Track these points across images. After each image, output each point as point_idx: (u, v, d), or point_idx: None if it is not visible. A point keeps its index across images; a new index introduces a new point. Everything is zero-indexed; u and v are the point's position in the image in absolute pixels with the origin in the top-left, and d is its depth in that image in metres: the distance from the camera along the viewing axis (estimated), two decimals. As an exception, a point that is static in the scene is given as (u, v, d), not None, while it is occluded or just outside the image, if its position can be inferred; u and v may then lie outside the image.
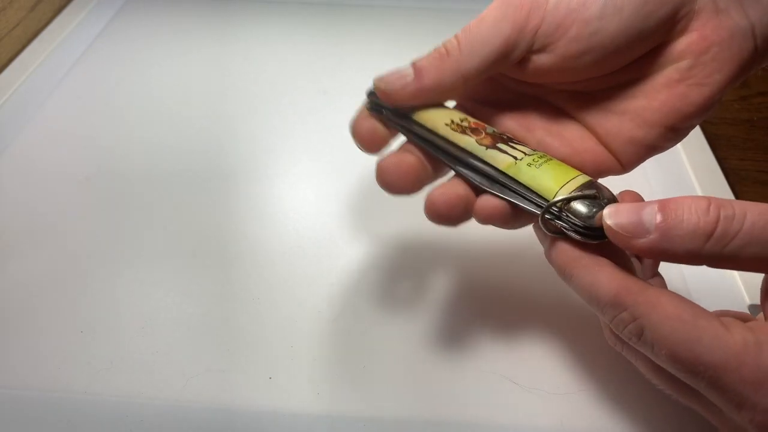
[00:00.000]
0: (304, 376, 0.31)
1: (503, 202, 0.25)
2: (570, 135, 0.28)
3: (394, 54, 0.55)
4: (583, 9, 0.24)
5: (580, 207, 0.23)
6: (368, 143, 0.27)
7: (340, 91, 0.51)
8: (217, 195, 0.42)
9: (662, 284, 0.28)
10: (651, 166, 0.43)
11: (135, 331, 0.33)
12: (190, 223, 0.40)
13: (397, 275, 0.36)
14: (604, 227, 0.22)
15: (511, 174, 0.25)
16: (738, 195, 0.43)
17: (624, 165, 0.27)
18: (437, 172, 0.27)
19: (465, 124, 0.27)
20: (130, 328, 0.33)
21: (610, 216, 0.22)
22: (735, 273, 0.36)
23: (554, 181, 0.24)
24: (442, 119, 0.27)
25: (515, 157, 0.25)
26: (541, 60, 0.25)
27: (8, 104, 0.50)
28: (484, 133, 0.26)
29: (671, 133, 0.26)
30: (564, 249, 0.24)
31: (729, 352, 0.20)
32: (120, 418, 0.29)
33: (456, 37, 0.26)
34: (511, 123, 0.28)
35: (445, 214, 0.25)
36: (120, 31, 0.60)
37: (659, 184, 0.43)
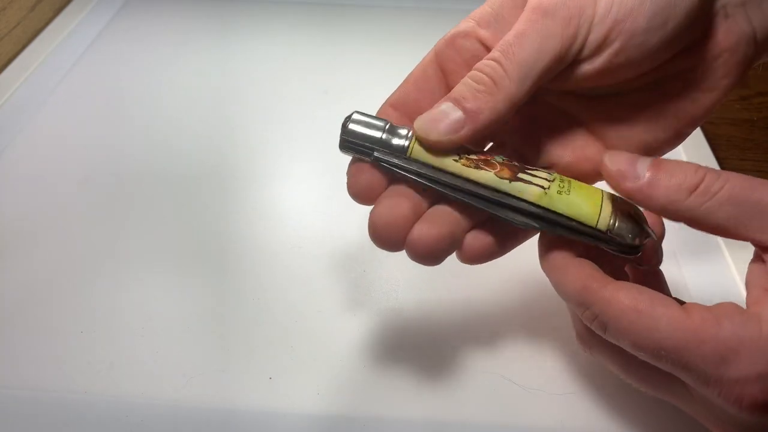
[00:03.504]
0: (304, 376, 0.31)
1: (492, 240, 0.25)
2: (574, 141, 0.27)
3: (395, 54, 0.55)
4: (630, 21, 0.23)
5: (624, 228, 0.23)
6: (365, 198, 0.25)
7: (340, 91, 0.51)
8: (217, 195, 0.42)
9: (662, 280, 0.29)
10: (651, 166, 0.43)
11: (135, 331, 0.33)
12: (190, 223, 0.40)
13: (397, 275, 0.36)
14: (601, 166, 0.24)
15: (544, 205, 0.24)
16: (738, 195, 0.42)
17: None
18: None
19: (473, 157, 0.24)
20: (130, 328, 0.33)
21: (608, 158, 0.24)
22: (734, 271, 0.36)
23: (590, 205, 0.24)
24: (448, 155, 0.24)
25: (542, 186, 0.24)
26: (577, 72, 0.24)
27: (8, 104, 0.50)
28: (497, 165, 0.24)
29: (678, 138, 0.26)
30: (545, 250, 0.25)
31: (688, 332, 0.21)
32: (120, 418, 0.29)
33: (497, 60, 0.23)
34: (512, 130, 0.28)
35: (430, 254, 0.24)
36: (120, 31, 0.60)
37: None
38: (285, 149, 0.46)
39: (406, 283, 0.36)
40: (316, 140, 0.46)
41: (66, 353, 0.32)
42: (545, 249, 0.25)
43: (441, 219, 0.24)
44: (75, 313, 0.34)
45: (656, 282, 0.28)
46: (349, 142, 0.24)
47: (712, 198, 0.22)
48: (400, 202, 0.24)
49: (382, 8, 0.64)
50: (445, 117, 0.23)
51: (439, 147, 0.23)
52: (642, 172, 0.23)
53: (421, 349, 0.33)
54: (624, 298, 0.22)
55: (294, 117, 0.49)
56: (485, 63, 0.23)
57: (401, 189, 0.25)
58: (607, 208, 0.24)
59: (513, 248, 0.27)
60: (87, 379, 0.31)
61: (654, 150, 0.27)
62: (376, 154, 0.24)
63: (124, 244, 0.38)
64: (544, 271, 0.25)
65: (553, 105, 0.28)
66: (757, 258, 0.24)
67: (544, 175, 0.25)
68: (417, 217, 0.24)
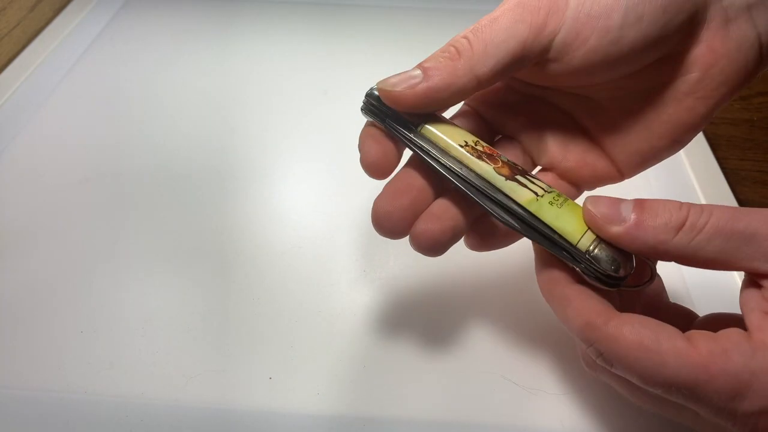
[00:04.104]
0: (304, 376, 0.31)
1: (499, 228, 0.26)
2: (576, 146, 0.27)
3: (395, 54, 0.55)
4: (604, 17, 0.23)
5: (605, 255, 0.23)
6: (378, 170, 0.25)
7: (340, 91, 0.51)
8: (217, 195, 0.42)
9: (660, 286, 0.28)
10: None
11: (135, 331, 0.33)
12: (190, 223, 0.40)
13: (397, 275, 0.36)
14: (583, 211, 0.24)
15: (532, 210, 0.24)
16: (738, 195, 0.42)
17: (624, 175, 0.27)
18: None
19: (480, 148, 0.25)
20: (130, 328, 0.33)
21: (590, 203, 0.24)
22: (735, 274, 0.36)
23: (577, 225, 0.24)
24: (455, 139, 0.25)
25: (536, 193, 0.24)
26: (556, 67, 0.24)
27: (8, 104, 0.50)
28: (500, 162, 0.25)
29: (676, 145, 0.26)
30: (544, 279, 0.25)
31: (697, 367, 0.21)
32: (120, 418, 0.29)
33: (466, 37, 0.24)
34: (519, 127, 0.28)
35: (433, 247, 0.25)
36: (120, 31, 0.60)
37: (659, 184, 0.43)
38: (285, 149, 0.46)
39: (407, 284, 0.36)
40: (315, 140, 0.46)
41: (66, 353, 0.32)
42: (545, 279, 0.25)
43: (445, 212, 0.25)
44: (75, 313, 0.34)
45: (654, 285, 0.28)
46: (371, 105, 0.26)
47: (700, 233, 0.22)
48: (403, 190, 0.25)
49: (382, 8, 0.64)
50: (405, 74, 0.24)
51: (396, 99, 0.24)
52: (627, 214, 0.23)
53: (421, 349, 0.33)
54: (629, 334, 0.22)
55: (294, 117, 0.49)
56: (455, 39, 0.24)
57: (408, 175, 0.26)
58: (593, 234, 0.24)
59: (521, 237, 0.27)
60: (87, 379, 0.31)
61: (651, 158, 0.27)
62: (388, 120, 0.25)
63: (124, 244, 0.38)
64: (546, 301, 0.25)
65: (560, 108, 0.28)
66: (751, 283, 0.23)
67: (543, 185, 0.25)
68: (419, 206, 0.25)
